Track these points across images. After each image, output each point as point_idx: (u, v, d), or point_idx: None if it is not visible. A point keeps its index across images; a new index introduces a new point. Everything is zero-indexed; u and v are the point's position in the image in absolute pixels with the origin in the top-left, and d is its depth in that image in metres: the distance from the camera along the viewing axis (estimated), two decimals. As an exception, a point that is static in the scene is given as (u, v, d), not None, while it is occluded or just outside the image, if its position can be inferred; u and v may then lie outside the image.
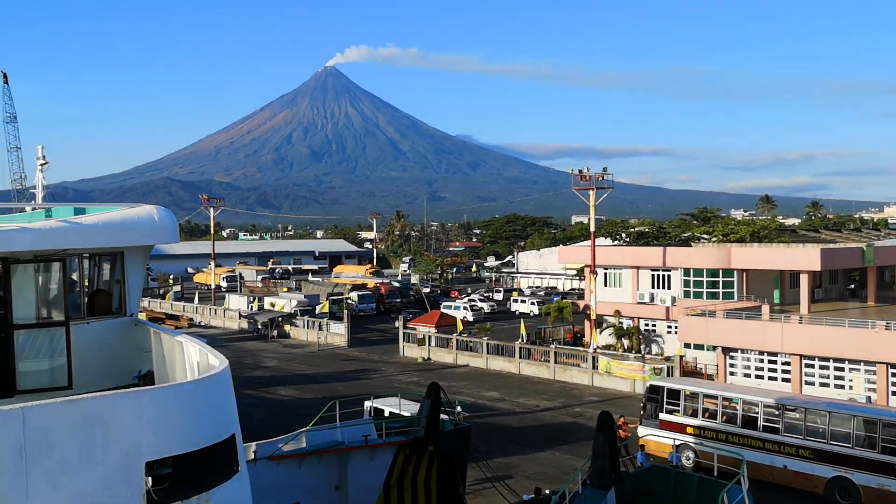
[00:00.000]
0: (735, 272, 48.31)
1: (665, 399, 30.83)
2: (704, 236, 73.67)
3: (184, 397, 10.13)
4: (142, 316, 15.87)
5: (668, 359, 45.29)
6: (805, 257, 45.27)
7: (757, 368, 40.14)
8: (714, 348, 42.53)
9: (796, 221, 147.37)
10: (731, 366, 41.05)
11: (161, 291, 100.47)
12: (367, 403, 30.35)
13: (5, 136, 72.52)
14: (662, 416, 30.72)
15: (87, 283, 13.62)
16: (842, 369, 37.02)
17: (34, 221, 13.29)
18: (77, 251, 12.77)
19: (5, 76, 74.45)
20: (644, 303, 52.51)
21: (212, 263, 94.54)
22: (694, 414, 30.21)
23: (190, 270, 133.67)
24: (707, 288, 49.47)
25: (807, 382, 37.88)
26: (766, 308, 41.06)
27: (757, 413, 28.42)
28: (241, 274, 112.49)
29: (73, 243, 12.26)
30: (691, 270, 50.19)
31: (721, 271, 48.77)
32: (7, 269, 11.80)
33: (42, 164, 22.72)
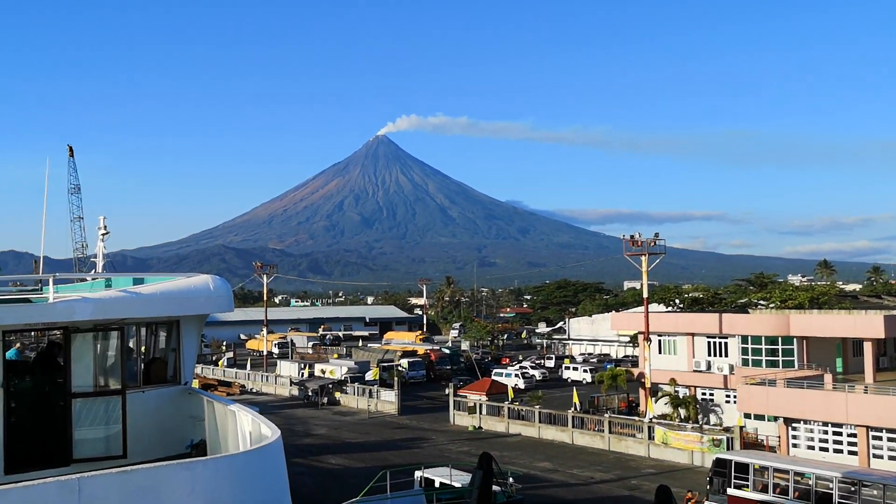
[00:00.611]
0: (795, 339, 47.01)
1: (733, 473, 29.80)
2: (762, 302, 72.20)
3: (236, 469, 10.08)
4: (194, 383, 15.96)
5: (727, 429, 43.89)
6: (868, 324, 43.93)
7: (821, 440, 38.64)
8: (775, 419, 41.13)
9: (857, 287, 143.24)
10: (794, 437, 39.61)
11: (214, 358, 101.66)
12: (418, 473, 29.94)
13: (69, 206, 75.36)
14: (731, 490, 29.68)
15: (143, 352, 13.80)
16: (912, 442, 35.39)
17: (95, 290, 13.58)
18: (135, 320, 12.99)
19: (71, 149, 77.83)
20: (700, 371, 51.29)
21: (264, 330, 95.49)
22: (764, 489, 29.06)
23: (242, 337, 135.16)
24: (766, 356, 48.13)
25: (875, 455, 36.27)
26: (828, 377, 39.76)
27: (831, 489, 27.23)
28: (292, 340, 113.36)
29: (131, 313, 12.48)
30: (749, 338, 48.97)
31: (780, 338, 47.49)
32: (68, 339, 12.03)
33: (104, 234, 23.29)
